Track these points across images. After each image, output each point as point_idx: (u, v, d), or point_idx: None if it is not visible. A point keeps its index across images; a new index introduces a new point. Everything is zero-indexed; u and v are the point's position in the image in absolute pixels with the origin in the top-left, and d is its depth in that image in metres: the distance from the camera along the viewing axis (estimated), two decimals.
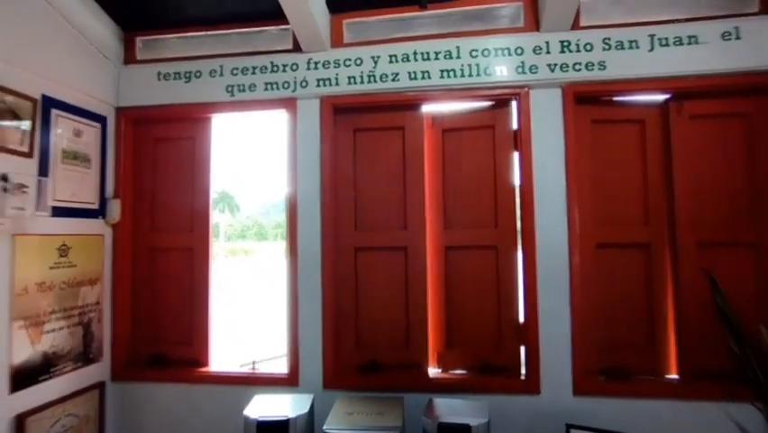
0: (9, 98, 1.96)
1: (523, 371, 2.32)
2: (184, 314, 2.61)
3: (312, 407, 2.06)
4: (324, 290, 2.41)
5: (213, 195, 2.74)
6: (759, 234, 2.21)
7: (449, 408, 1.96)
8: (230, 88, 2.51)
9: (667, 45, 2.21)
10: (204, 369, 2.54)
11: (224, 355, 2.71)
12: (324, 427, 1.86)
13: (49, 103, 2.17)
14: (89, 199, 2.43)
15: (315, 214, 2.44)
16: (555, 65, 2.29)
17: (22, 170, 2.00)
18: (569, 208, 2.28)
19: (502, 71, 2.34)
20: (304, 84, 2.46)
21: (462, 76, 2.36)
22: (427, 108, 2.50)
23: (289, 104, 2.49)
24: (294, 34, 2.44)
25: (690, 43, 2.19)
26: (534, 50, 2.32)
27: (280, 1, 2.16)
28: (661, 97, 2.32)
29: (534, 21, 2.33)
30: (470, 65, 2.36)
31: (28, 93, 2.05)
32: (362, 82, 2.41)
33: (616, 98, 2.36)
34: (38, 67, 2.12)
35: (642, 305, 2.30)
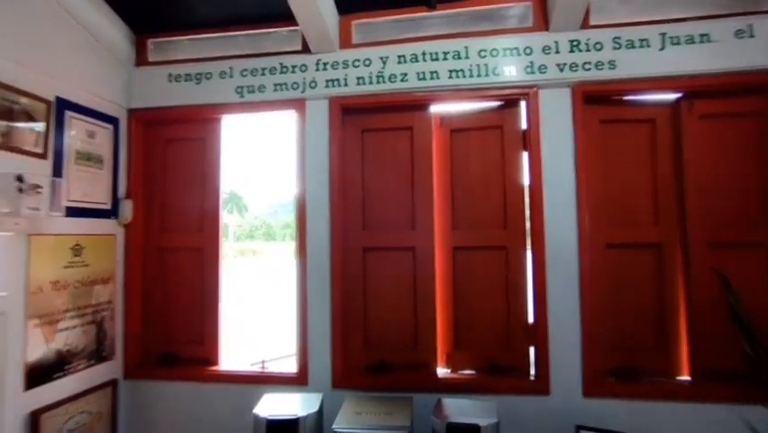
0: (24, 100, 2.00)
1: (532, 371, 2.32)
2: (194, 313, 2.64)
3: (321, 406, 2.07)
4: (332, 290, 2.42)
5: (222, 195, 2.77)
6: None
7: (458, 408, 1.96)
8: (239, 90, 2.54)
9: (678, 44, 2.19)
10: (214, 368, 2.57)
11: (233, 355, 2.73)
12: (334, 426, 1.87)
13: (62, 105, 2.21)
14: (102, 200, 2.47)
15: (323, 214, 2.45)
16: (564, 65, 2.29)
17: (37, 170, 2.04)
18: (578, 208, 2.27)
19: (511, 71, 2.33)
20: (313, 85, 2.47)
21: (471, 76, 2.36)
22: (436, 108, 2.50)
23: (298, 104, 2.51)
24: (303, 35, 2.45)
25: (702, 42, 2.17)
26: (543, 50, 2.31)
27: (290, 2, 2.17)
28: (672, 96, 2.30)
29: (543, 20, 2.33)
30: (478, 65, 2.36)
31: (42, 95, 2.09)
32: (371, 83, 2.42)
33: (626, 98, 2.35)
34: (52, 69, 2.16)
35: (652, 305, 2.28)
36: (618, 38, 2.23)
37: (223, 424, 2.45)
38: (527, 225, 2.38)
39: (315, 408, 2.00)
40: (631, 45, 2.22)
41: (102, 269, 2.43)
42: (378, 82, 2.42)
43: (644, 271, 2.30)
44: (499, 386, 2.28)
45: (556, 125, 2.32)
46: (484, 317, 2.40)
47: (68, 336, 2.20)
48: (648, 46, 2.21)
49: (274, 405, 2.04)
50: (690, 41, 2.18)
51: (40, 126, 2.07)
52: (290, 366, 2.51)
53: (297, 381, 2.41)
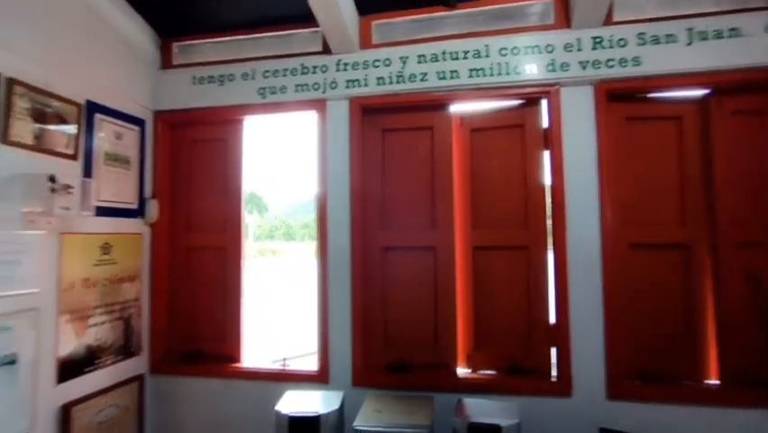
0: (56, 103, 2.07)
1: (554, 372, 2.29)
2: (217, 311, 2.69)
3: (342, 404, 2.09)
4: (353, 290, 2.44)
5: (244, 196, 2.81)
6: None
7: (479, 408, 1.95)
8: (262, 91, 2.57)
9: (706, 39, 2.13)
10: (236, 365, 2.61)
11: (255, 352, 2.77)
12: (355, 424, 1.88)
13: (92, 108, 2.28)
14: (129, 199, 2.54)
15: (344, 213, 2.47)
16: (587, 62, 2.25)
17: (68, 171, 2.10)
18: (601, 208, 2.24)
19: (532, 69, 2.31)
20: (333, 85, 2.49)
21: (492, 75, 2.35)
22: (456, 108, 2.50)
23: (319, 105, 2.53)
24: (323, 36, 2.47)
25: (731, 36, 2.11)
26: (564, 48, 2.28)
27: (311, 4, 2.20)
28: (699, 93, 2.25)
29: (564, 17, 2.30)
30: (499, 64, 2.34)
31: (73, 98, 2.16)
32: (391, 83, 2.43)
33: (651, 95, 2.30)
34: (83, 73, 2.23)
35: (679, 307, 2.23)
36: (643, 34, 2.19)
37: (245, 420, 2.50)
38: (549, 224, 2.36)
39: (336, 405, 2.02)
40: (656, 41, 2.18)
41: (129, 267, 2.50)
42: (398, 82, 2.42)
43: (670, 271, 2.25)
44: (520, 387, 2.26)
45: (578, 124, 2.29)
46: (505, 317, 2.38)
47: (98, 331, 2.27)
48: (675, 41, 2.16)
49: (296, 402, 2.07)
50: (719, 35, 2.12)
51: (71, 129, 2.14)
52: (311, 364, 2.54)
53: (318, 379, 2.44)
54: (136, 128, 2.59)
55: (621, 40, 2.21)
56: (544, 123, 2.39)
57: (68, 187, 2.03)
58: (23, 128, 1.91)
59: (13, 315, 1.82)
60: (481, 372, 2.40)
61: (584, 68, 2.25)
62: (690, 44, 2.15)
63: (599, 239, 2.23)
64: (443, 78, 2.39)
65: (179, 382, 2.61)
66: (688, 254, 2.24)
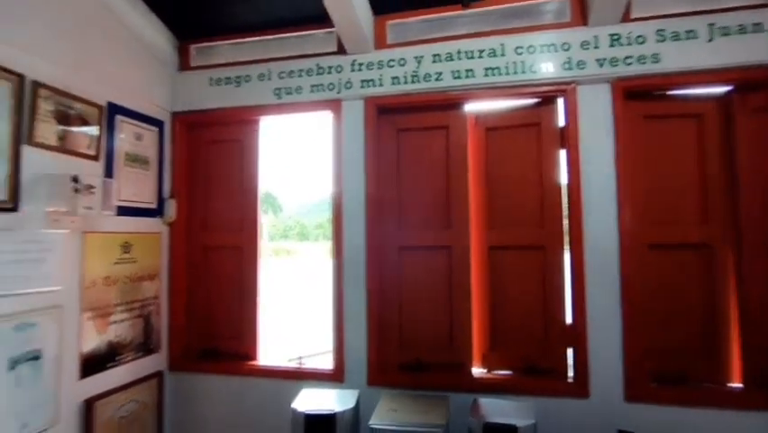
0: (79, 105, 2.12)
1: (570, 373, 2.27)
2: (234, 309, 2.73)
3: (358, 402, 2.10)
4: (368, 289, 2.45)
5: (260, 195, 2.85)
6: None
7: (495, 408, 1.94)
8: (277, 91, 2.60)
9: (728, 34, 2.09)
10: (253, 363, 2.64)
11: (270, 351, 2.80)
12: (370, 422, 1.89)
13: (113, 109, 2.33)
14: (148, 199, 2.58)
15: (359, 213, 2.48)
16: (604, 60, 2.23)
17: (91, 171, 2.15)
18: (619, 207, 2.21)
19: (548, 68, 2.29)
20: (348, 85, 2.51)
21: (507, 74, 2.34)
22: (471, 107, 2.49)
23: (334, 105, 2.55)
24: (338, 37, 2.49)
25: (754, 31, 2.07)
26: (581, 45, 2.26)
27: (326, 5, 2.21)
28: (721, 90, 2.20)
29: (580, 15, 2.27)
30: (514, 62, 2.33)
31: (95, 100, 2.21)
32: (406, 82, 2.43)
33: (670, 92, 2.26)
34: (104, 76, 2.28)
35: (701, 308, 2.19)
36: (662, 30, 2.16)
37: (261, 416, 2.53)
38: (565, 224, 2.34)
39: (351, 404, 2.03)
40: (676, 37, 2.14)
41: (148, 265, 2.54)
42: (413, 82, 2.43)
43: (690, 272, 2.21)
44: (536, 387, 2.24)
45: (595, 122, 2.26)
46: (520, 318, 2.37)
47: (118, 328, 2.32)
48: (695, 38, 2.12)
49: (311, 400, 2.08)
50: (742, 31, 2.08)
51: (93, 130, 2.19)
52: (326, 363, 2.56)
53: (333, 377, 2.45)
54: (155, 129, 2.64)
55: (639, 37, 2.18)
56: (561, 121, 2.36)
57: (91, 187, 2.08)
58: (48, 130, 1.96)
59: (37, 311, 1.87)
60: (497, 372, 2.39)
61: (601, 65, 2.23)
62: (711, 40, 2.11)
63: (617, 239, 2.20)
64: (459, 77, 2.38)
65: (197, 379, 2.65)
66: (710, 254, 2.19)
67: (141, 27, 2.50)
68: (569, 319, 2.29)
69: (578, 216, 2.25)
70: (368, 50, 2.49)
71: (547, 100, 2.39)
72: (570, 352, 2.28)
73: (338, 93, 2.52)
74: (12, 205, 1.79)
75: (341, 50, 2.54)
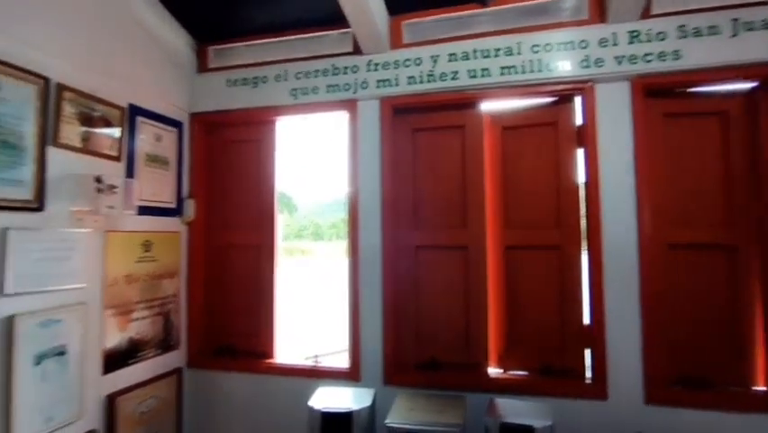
0: (101, 107, 2.17)
1: (588, 374, 2.24)
2: (251, 308, 2.76)
3: (374, 401, 2.11)
4: (384, 288, 2.45)
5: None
6: None
7: (511, 408, 1.93)
8: (294, 92, 2.62)
9: (753, 29, 2.04)
10: (270, 361, 2.67)
11: (287, 349, 2.83)
12: (387, 421, 1.89)
13: (134, 111, 2.37)
14: (168, 199, 2.63)
15: (375, 213, 2.49)
16: (623, 57, 2.19)
17: (113, 172, 2.20)
18: (638, 207, 2.18)
19: (565, 66, 2.27)
20: (364, 85, 2.52)
21: (524, 72, 2.32)
22: (487, 106, 2.48)
23: (350, 105, 2.56)
24: (354, 37, 2.50)
25: None
26: (599, 43, 2.23)
27: (342, 5, 2.22)
28: (746, 86, 2.15)
29: (599, 12, 2.24)
30: (531, 61, 2.31)
31: (117, 102, 2.26)
32: (422, 82, 2.43)
33: (692, 90, 2.22)
34: (125, 78, 2.33)
35: (724, 309, 2.14)
36: (684, 26, 2.12)
37: (278, 414, 2.55)
38: (583, 224, 2.31)
39: (367, 402, 2.04)
40: (698, 33, 2.10)
41: (168, 264, 2.59)
42: (428, 81, 2.42)
43: (713, 272, 2.16)
44: (553, 388, 2.22)
45: (614, 120, 2.23)
46: (537, 318, 2.35)
47: (139, 326, 2.36)
48: (718, 33, 2.07)
49: (328, 398, 2.10)
50: (767, 26, 2.03)
51: (115, 131, 2.24)
52: (342, 362, 2.57)
53: (349, 376, 2.46)
54: (174, 130, 2.69)
55: (660, 33, 2.14)
56: (578, 120, 2.34)
57: (113, 187, 2.12)
58: (72, 131, 2.01)
59: (62, 308, 1.92)
60: (513, 372, 2.38)
61: (620, 63, 2.20)
62: (734, 36, 2.06)
63: (636, 239, 2.17)
64: (475, 76, 2.38)
65: (215, 376, 2.69)
66: (734, 255, 2.14)
67: (160, 30, 2.55)
68: (586, 320, 2.27)
69: (596, 215, 2.22)
70: (383, 50, 2.49)
71: (564, 99, 2.37)
72: (587, 352, 2.26)
73: (354, 93, 2.54)
74: (38, 204, 1.84)
75: (356, 51, 2.55)
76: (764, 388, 2.07)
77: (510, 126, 2.47)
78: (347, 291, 2.54)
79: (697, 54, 2.10)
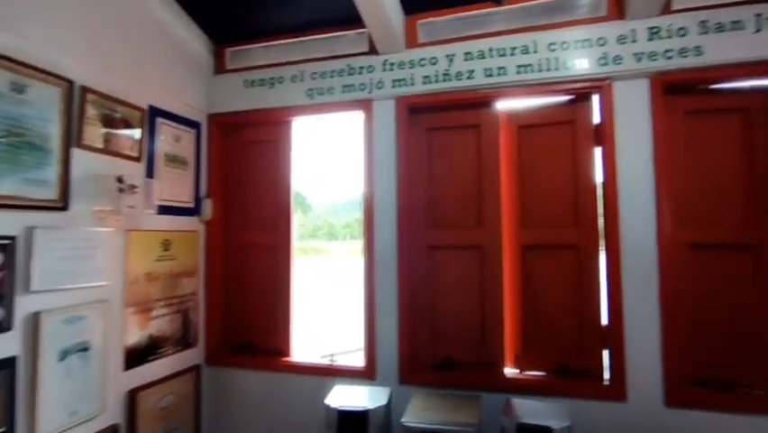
0: (122, 109, 2.21)
1: (606, 376, 2.22)
2: (268, 306, 2.79)
3: (389, 400, 2.11)
4: (399, 288, 2.46)
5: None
6: None
7: (528, 409, 1.92)
8: (310, 92, 2.64)
9: None
10: (286, 359, 2.70)
11: (302, 347, 2.85)
12: (403, 420, 1.90)
13: (154, 112, 2.42)
14: (186, 198, 2.67)
15: (391, 212, 2.49)
16: (642, 54, 2.16)
17: (133, 172, 2.24)
18: (657, 206, 2.14)
19: (582, 64, 2.25)
20: (380, 85, 2.52)
21: (540, 71, 2.30)
22: (503, 105, 2.46)
23: (365, 105, 2.57)
24: (370, 37, 2.51)
25: None
26: (618, 40, 2.20)
27: (357, 6, 2.23)
28: None
29: (617, 8, 2.21)
30: (548, 59, 2.29)
31: (138, 104, 2.30)
32: (437, 81, 2.43)
33: (714, 86, 2.18)
34: (146, 80, 2.38)
35: (747, 310, 2.09)
36: (705, 22, 2.08)
37: (294, 411, 2.58)
38: (600, 223, 2.28)
39: (383, 401, 2.05)
40: (720, 29, 2.06)
41: (187, 263, 2.63)
42: (444, 80, 2.42)
43: (736, 272, 2.11)
44: (570, 389, 2.20)
45: (633, 119, 2.20)
46: (554, 318, 2.33)
47: (159, 323, 2.41)
48: (741, 29, 2.03)
49: (344, 396, 2.11)
50: None
51: (136, 133, 2.29)
52: (357, 361, 2.58)
53: (365, 375, 2.47)
54: (192, 130, 2.73)
55: (681, 29, 2.11)
56: (596, 118, 2.31)
57: (134, 187, 2.17)
58: (94, 133, 2.06)
59: (86, 305, 1.97)
60: (529, 372, 2.36)
61: (639, 60, 2.16)
62: (758, 31, 2.02)
63: (655, 238, 2.14)
64: (490, 75, 2.36)
65: (233, 374, 2.72)
66: (757, 254, 2.10)
67: (179, 33, 2.60)
68: (604, 320, 2.24)
69: (614, 214, 2.20)
70: (399, 50, 2.50)
71: (582, 97, 2.35)
72: (605, 353, 2.23)
73: (369, 93, 2.54)
74: (62, 204, 1.89)
75: (372, 51, 2.55)
76: None
77: (527, 125, 2.45)
78: (362, 291, 2.55)
79: (719, 50, 2.06)
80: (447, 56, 2.43)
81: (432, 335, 2.48)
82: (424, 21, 2.50)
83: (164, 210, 2.46)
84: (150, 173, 2.38)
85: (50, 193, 1.84)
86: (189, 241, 2.67)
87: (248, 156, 2.90)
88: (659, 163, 2.14)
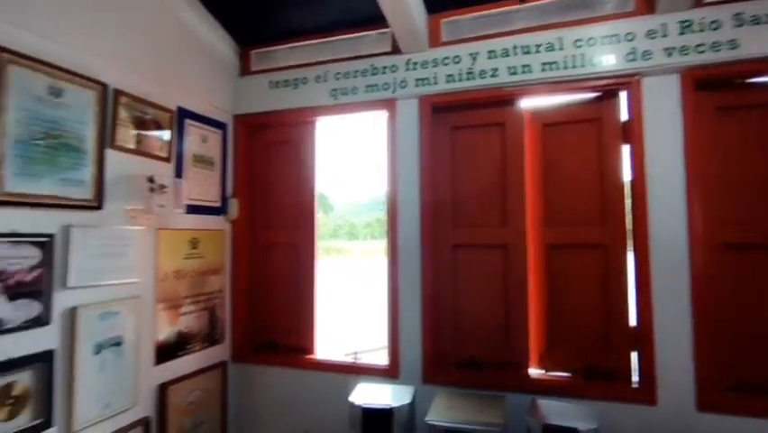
0: (153, 111, 2.28)
1: (635, 378, 2.17)
2: (292, 304, 2.83)
3: (413, 399, 2.12)
4: (423, 287, 2.46)
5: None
6: None
7: (554, 409, 1.90)
8: (334, 92, 2.67)
9: None
10: (310, 356, 2.73)
11: (326, 345, 2.88)
12: (427, 418, 1.90)
13: (183, 114, 2.48)
14: (213, 198, 2.73)
15: (414, 211, 2.49)
16: (673, 49, 2.11)
17: (163, 172, 2.30)
18: (689, 205, 2.09)
19: (610, 60, 2.21)
20: (403, 84, 2.53)
21: (566, 68, 2.27)
22: (527, 103, 2.44)
23: (389, 104, 2.58)
24: (393, 37, 2.52)
25: None
26: (647, 35, 2.15)
27: (381, 5, 2.24)
28: None
29: (646, 3, 2.17)
30: (573, 56, 2.26)
31: (167, 106, 2.36)
32: (461, 80, 2.42)
33: (750, 81, 2.11)
34: (175, 82, 2.44)
35: None
36: (740, 14, 2.01)
37: (318, 408, 2.60)
38: (628, 222, 2.24)
39: (407, 400, 2.05)
40: (756, 21, 1.99)
41: (214, 261, 2.69)
42: (468, 79, 2.41)
43: None
44: (597, 391, 2.16)
45: (662, 115, 2.15)
46: (580, 318, 2.29)
47: (187, 320, 2.47)
48: None
49: (368, 394, 2.12)
50: None
51: (166, 134, 2.35)
52: (381, 359, 2.59)
53: (388, 373, 2.48)
54: (219, 131, 2.78)
55: (714, 22, 2.05)
56: (623, 115, 2.27)
57: (164, 186, 2.22)
58: (126, 134, 2.13)
59: (119, 301, 2.04)
60: (554, 373, 2.33)
61: (669, 55, 2.11)
62: None
63: (686, 238, 2.08)
64: (515, 73, 2.34)
65: (258, 371, 2.77)
66: None
67: (207, 36, 2.66)
68: (633, 321, 2.19)
69: (642, 213, 2.15)
70: (422, 49, 2.50)
71: (609, 94, 2.30)
72: (634, 355, 2.19)
73: (393, 92, 2.55)
74: (97, 203, 1.95)
75: (395, 50, 2.56)
76: None
77: (551, 123, 2.42)
78: (386, 290, 2.55)
79: (755, 43, 1.99)
80: (471, 54, 2.42)
81: (455, 334, 2.47)
82: (447, 19, 2.50)
83: (192, 209, 2.52)
84: (178, 173, 2.44)
85: (86, 193, 1.91)
86: (216, 239, 2.73)
87: (273, 156, 2.95)
88: (690, 160, 2.09)
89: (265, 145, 2.96)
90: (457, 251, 2.51)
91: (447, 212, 2.53)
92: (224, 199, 2.82)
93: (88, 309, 1.88)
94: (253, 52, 2.91)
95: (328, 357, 2.71)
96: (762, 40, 1.98)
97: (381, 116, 2.64)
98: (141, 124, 2.21)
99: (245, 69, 2.92)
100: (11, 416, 1.62)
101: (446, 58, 2.46)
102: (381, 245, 2.60)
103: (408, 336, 2.46)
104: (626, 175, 2.25)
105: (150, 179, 2.16)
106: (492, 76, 2.38)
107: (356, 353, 2.66)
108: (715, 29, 2.04)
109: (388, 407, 1.98)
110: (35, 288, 1.70)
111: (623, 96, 2.27)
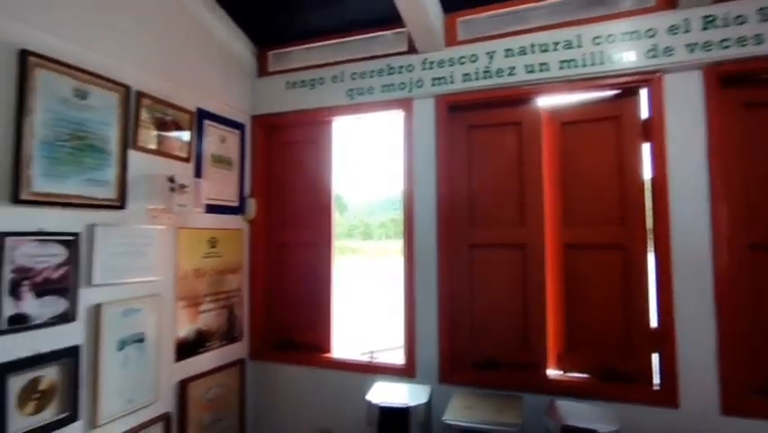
0: (173, 112, 2.32)
1: (656, 380, 2.14)
2: (309, 303, 2.85)
3: (430, 398, 2.12)
4: (439, 287, 2.45)
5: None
6: None
7: (573, 411, 1.88)
8: (350, 92, 2.68)
9: None
10: (327, 355, 2.75)
11: (342, 343, 2.89)
12: (444, 417, 1.90)
13: (202, 115, 2.52)
14: (231, 198, 2.77)
15: (430, 211, 2.49)
16: (696, 44, 2.07)
17: (183, 172, 2.34)
18: (712, 204, 2.04)
19: (630, 57, 2.17)
20: (419, 84, 2.53)
21: (584, 66, 2.24)
22: (545, 101, 2.42)
23: (405, 104, 2.58)
24: (409, 36, 2.51)
25: None
26: (668, 31, 2.11)
27: (397, 5, 2.23)
28: None
29: None
30: (592, 53, 2.23)
31: (187, 107, 2.40)
32: (477, 79, 2.41)
33: None
34: (194, 84, 2.48)
35: None
36: (766, 9, 1.96)
37: (335, 406, 2.62)
38: (649, 222, 2.20)
39: (424, 399, 2.05)
40: None
41: (232, 260, 2.73)
42: (484, 78, 2.40)
43: None
44: (617, 393, 2.13)
45: (684, 112, 2.11)
46: (599, 319, 2.27)
47: (207, 317, 2.50)
48: None
49: (385, 393, 2.13)
50: None
51: (186, 135, 2.39)
52: (397, 358, 2.60)
53: (405, 372, 2.48)
54: (237, 132, 2.82)
55: (739, 17, 2.00)
56: (644, 113, 2.23)
57: (184, 186, 2.26)
58: (148, 135, 2.17)
59: (141, 299, 2.08)
60: (572, 374, 2.31)
61: (692, 51, 2.07)
62: None
63: (709, 237, 2.04)
64: (532, 71, 2.32)
65: (276, 368, 2.80)
66: None
67: (225, 38, 2.70)
68: (653, 322, 2.16)
69: (664, 213, 2.11)
70: (439, 48, 2.49)
71: (629, 91, 2.27)
72: (655, 357, 2.15)
73: (409, 92, 2.55)
74: (120, 203, 2.00)
75: (411, 50, 2.56)
76: None
77: (570, 121, 2.40)
78: (402, 289, 2.56)
79: None
80: (487, 53, 2.40)
81: (472, 334, 2.46)
82: (463, 18, 2.49)
83: (211, 209, 2.56)
84: (198, 173, 2.48)
85: (110, 192, 1.95)
86: (234, 239, 2.76)
87: (290, 156, 2.97)
88: (713, 158, 2.05)
89: (282, 145, 2.99)
90: (474, 250, 2.50)
91: (464, 212, 2.52)
92: (242, 199, 2.85)
93: (112, 306, 1.93)
94: (270, 53, 2.94)
95: (345, 356, 2.72)
96: None
97: (397, 116, 2.64)
98: (161, 125, 2.25)
99: (263, 70, 2.96)
100: (38, 410, 1.67)
101: (463, 57, 2.45)
102: (396, 245, 2.61)
103: (425, 335, 2.46)
104: (647, 174, 2.22)
105: (171, 179, 2.20)
106: (509, 74, 2.36)
107: (372, 352, 2.67)
108: (740, 24, 2.00)
109: (405, 406, 1.98)
110: (62, 285, 1.75)
111: (643, 93, 2.23)
